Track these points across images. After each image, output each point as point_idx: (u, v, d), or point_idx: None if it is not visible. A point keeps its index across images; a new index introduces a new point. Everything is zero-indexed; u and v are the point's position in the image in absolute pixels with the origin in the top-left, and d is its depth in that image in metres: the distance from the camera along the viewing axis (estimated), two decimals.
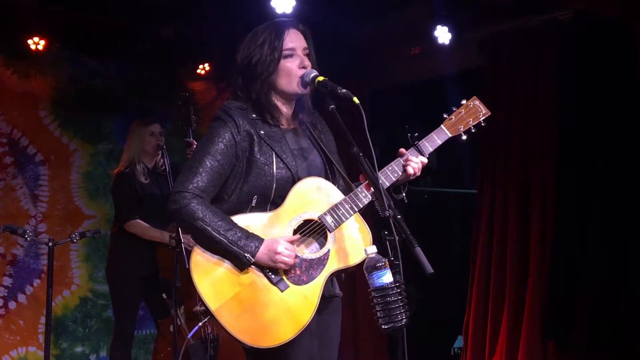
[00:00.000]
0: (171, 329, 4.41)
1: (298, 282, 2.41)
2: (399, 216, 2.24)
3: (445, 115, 2.67)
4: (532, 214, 4.83)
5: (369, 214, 2.59)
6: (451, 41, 5.09)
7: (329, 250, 2.45)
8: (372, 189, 2.46)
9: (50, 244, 4.23)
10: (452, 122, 2.65)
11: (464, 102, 2.69)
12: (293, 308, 2.39)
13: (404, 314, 2.18)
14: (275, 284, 2.40)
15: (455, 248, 6.81)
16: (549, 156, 4.79)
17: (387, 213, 2.24)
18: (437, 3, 5.00)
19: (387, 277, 2.19)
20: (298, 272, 2.42)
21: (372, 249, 2.27)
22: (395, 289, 2.19)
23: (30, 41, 5.35)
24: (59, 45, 5.61)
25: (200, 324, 2.42)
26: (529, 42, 4.91)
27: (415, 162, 2.55)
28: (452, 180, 6.86)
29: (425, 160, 2.58)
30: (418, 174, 2.57)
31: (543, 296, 4.76)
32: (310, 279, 2.42)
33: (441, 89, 5.38)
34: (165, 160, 4.73)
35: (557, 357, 4.74)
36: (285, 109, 2.59)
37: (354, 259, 2.46)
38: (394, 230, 2.22)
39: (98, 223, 5.86)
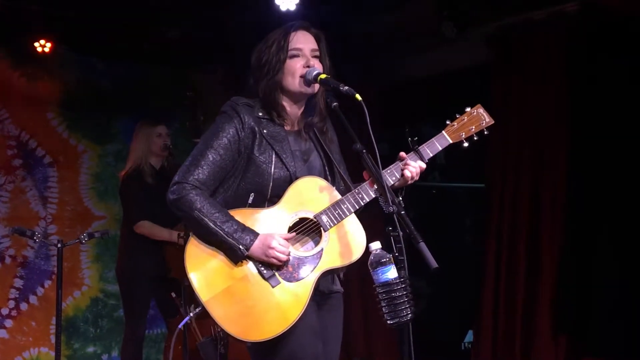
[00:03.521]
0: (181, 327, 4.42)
1: (290, 279, 2.43)
2: (402, 212, 2.24)
3: (447, 122, 2.69)
4: (542, 208, 4.80)
5: (373, 210, 2.58)
6: (458, 36, 5.05)
7: (322, 249, 2.47)
8: (375, 185, 2.47)
9: (59, 245, 4.26)
10: (454, 129, 2.67)
11: (467, 109, 2.71)
12: (282, 304, 2.40)
13: (409, 309, 2.20)
14: (266, 279, 2.42)
15: (466, 243, 6.78)
16: (559, 149, 4.75)
17: (391, 209, 2.24)
18: None
19: (391, 273, 2.20)
20: (290, 269, 2.44)
21: (377, 245, 2.28)
22: (400, 284, 2.20)
23: (36, 44, 5.37)
24: (65, 47, 5.63)
25: (191, 314, 2.45)
26: (536, 35, 4.87)
27: (414, 167, 2.57)
28: (460, 175, 6.83)
29: (424, 165, 2.60)
30: (416, 178, 2.58)
31: (555, 291, 4.73)
32: (302, 276, 2.44)
33: (448, 84, 5.35)
34: (173, 160, 4.75)
35: (569, 352, 4.71)
36: (291, 110, 2.61)
37: (347, 259, 2.48)
38: (397, 225, 2.22)
39: (108, 223, 5.89)
